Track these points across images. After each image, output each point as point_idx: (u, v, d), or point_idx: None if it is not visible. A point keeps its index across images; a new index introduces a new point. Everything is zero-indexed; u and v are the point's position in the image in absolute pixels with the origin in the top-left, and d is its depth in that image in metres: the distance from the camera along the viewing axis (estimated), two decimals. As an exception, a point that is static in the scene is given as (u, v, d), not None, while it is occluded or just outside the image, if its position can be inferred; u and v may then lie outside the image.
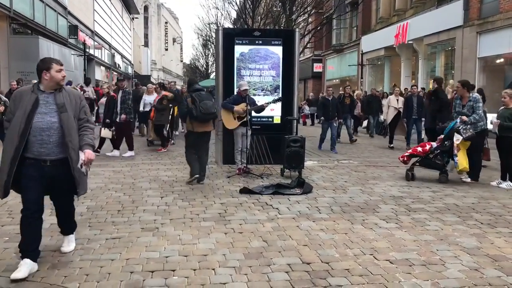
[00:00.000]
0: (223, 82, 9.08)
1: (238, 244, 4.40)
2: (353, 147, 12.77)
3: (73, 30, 23.16)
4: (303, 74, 31.41)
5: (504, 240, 4.63)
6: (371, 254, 4.15)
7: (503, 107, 7.37)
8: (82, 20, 25.69)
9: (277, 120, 9.18)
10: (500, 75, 16.52)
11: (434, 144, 7.67)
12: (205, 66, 55.89)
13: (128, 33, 45.42)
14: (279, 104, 8.82)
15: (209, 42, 47.13)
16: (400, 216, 5.47)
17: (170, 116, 11.63)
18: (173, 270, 3.73)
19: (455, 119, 7.52)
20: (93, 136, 3.95)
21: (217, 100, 9.03)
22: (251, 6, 25.59)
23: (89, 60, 25.73)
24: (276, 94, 8.93)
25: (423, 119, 11.54)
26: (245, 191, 6.56)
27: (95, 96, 16.84)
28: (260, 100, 8.49)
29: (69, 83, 14.37)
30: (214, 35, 26.44)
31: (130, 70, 45.55)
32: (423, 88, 16.85)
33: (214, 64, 30.56)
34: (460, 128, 7.24)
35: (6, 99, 9.11)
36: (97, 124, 13.08)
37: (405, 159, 7.87)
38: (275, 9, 27.55)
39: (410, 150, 8.13)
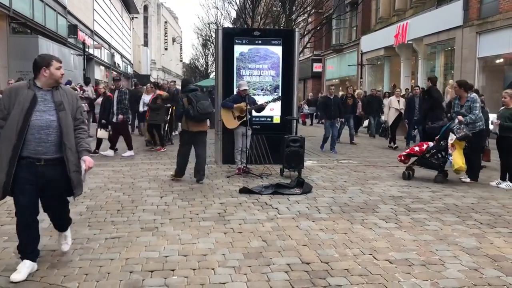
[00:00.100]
0: (222, 82, 9.08)
1: (237, 244, 4.40)
2: (352, 147, 12.77)
3: (73, 29, 23.15)
4: (302, 74, 31.39)
5: (503, 240, 4.63)
6: (371, 254, 4.15)
7: (503, 107, 7.37)
8: (81, 20, 25.68)
9: (276, 120, 9.17)
10: (500, 75, 16.53)
11: (431, 144, 7.70)
12: (204, 65, 55.87)
13: (128, 32, 45.42)
14: (278, 104, 8.82)
15: (208, 42, 47.11)
16: (400, 216, 5.47)
17: (168, 116, 11.62)
18: (173, 270, 3.73)
19: (453, 119, 7.54)
20: (88, 138, 3.92)
21: (217, 100, 9.05)
22: (250, 6, 25.59)
23: (89, 59, 25.72)
24: (275, 94, 8.92)
25: None
26: (244, 191, 6.56)
27: (94, 96, 16.81)
28: (260, 100, 8.49)
29: (69, 82, 14.35)
30: (213, 35, 26.47)
31: (129, 70, 45.57)
32: (423, 88, 16.83)
33: (214, 64, 30.58)
34: (454, 127, 7.27)
35: None
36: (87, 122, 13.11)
37: (403, 158, 7.93)
38: (275, 9, 27.54)
39: (408, 150, 8.20)
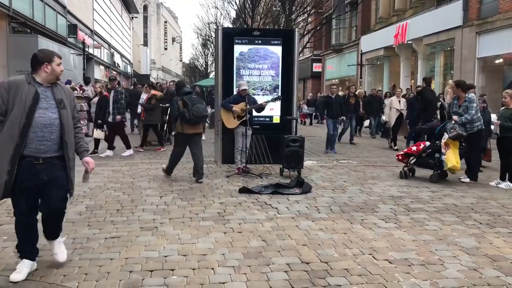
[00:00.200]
0: (222, 82, 9.08)
1: (237, 243, 4.40)
2: (352, 147, 12.77)
3: (73, 29, 23.12)
4: (302, 74, 31.41)
5: (502, 240, 4.63)
6: (370, 254, 4.15)
7: (503, 108, 7.38)
8: (81, 19, 25.66)
9: (276, 119, 9.17)
10: (499, 75, 16.54)
11: (428, 144, 7.73)
12: (204, 65, 55.82)
13: (128, 32, 45.40)
14: (278, 104, 8.82)
15: (208, 42, 47.05)
16: (399, 216, 5.47)
17: (167, 116, 11.61)
18: (172, 270, 3.73)
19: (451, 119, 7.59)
20: (84, 136, 3.91)
21: (216, 100, 9.05)
22: (250, 5, 25.56)
23: (89, 59, 25.71)
24: (275, 94, 8.92)
25: None
26: (244, 190, 6.56)
27: (94, 95, 16.81)
28: (259, 100, 8.49)
29: (68, 82, 14.34)
30: (213, 35, 26.47)
31: (129, 70, 45.55)
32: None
33: (214, 64, 30.57)
34: (447, 127, 7.31)
35: None
36: (87, 122, 13.11)
37: (400, 158, 7.98)
38: (275, 8, 27.52)
39: (406, 149, 8.24)
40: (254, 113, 8.21)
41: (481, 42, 16.56)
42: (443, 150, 7.32)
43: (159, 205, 5.79)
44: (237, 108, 7.77)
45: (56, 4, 20.90)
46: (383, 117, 13.98)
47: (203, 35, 48.81)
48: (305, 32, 22.56)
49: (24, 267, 3.53)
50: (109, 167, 8.50)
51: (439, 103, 11.28)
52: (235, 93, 8.37)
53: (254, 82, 9.08)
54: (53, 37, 20.16)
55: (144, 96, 12.32)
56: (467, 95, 7.55)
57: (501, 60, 16.44)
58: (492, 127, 7.62)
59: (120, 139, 10.16)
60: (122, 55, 41.27)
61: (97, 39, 30.14)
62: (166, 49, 70.85)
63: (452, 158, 7.23)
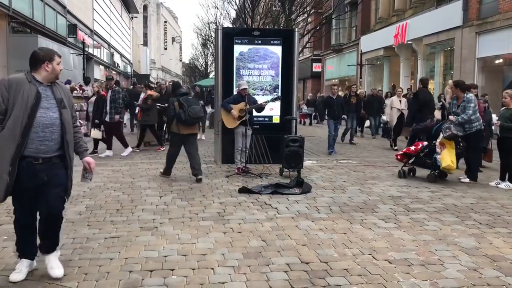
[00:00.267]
0: (222, 82, 9.08)
1: (237, 243, 4.40)
2: (352, 147, 12.78)
3: (72, 29, 23.11)
4: (302, 74, 31.42)
5: (502, 240, 4.63)
6: (370, 254, 4.15)
7: (503, 108, 7.38)
8: (81, 19, 25.66)
9: (276, 119, 9.17)
10: (499, 75, 16.55)
11: (426, 143, 7.75)
12: (204, 65, 55.83)
13: (127, 32, 45.38)
14: (278, 104, 8.82)
15: (208, 42, 47.04)
16: (399, 216, 5.47)
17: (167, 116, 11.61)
18: (172, 270, 3.73)
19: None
20: (83, 136, 3.90)
21: (216, 100, 9.05)
22: (250, 5, 25.55)
23: (88, 59, 25.70)
24: (275, 94, 8.92)
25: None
26: (244, 190, 6.56)
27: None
28: (259, 99, 8.49)
29: (68, 82, 14.35)
30: (213, 35, 26.44)
31: (129, 69, 45.54)
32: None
33: (213, 64, 30.59)
34: (443, 127, 7.33)
35: None
36: (86, 122, 13.11)
37: (399, 157, 8.00)
38: (275, 8, 27.52)
39: (404, 149, 8.26)
40: (254, 113, 8.22)
41: (481, 42, 16.57)
42: (438, 150, 7.34)
43: (159, 205, 5.79)
44: (235, 111, 7.78)
45: (56, 4, 20.90)
46: (384, 117, 13.97)
47: (203, 35, 48.85)
48: (305, 32, 22.56)
49: (24, 267, 3.53)
50: (109, 167, 8.50)
51: (440, 103, 11.28)
52: (235, 93, 8.38)
53: (254, 82, 9.08)
54: (53, 37, 20.16)
55: (141, 96, 12.34)
56: (465, 95, 7.55)
57: (501, 60, 16.45)
58: (493, 127, 7.63)
59: (117, 140, 10.15)
60: (122, 55, 41.26)
61: (97, 39, 30.13)
62: (166, 49, 70.83)
63: (447, 157, 7.23)
